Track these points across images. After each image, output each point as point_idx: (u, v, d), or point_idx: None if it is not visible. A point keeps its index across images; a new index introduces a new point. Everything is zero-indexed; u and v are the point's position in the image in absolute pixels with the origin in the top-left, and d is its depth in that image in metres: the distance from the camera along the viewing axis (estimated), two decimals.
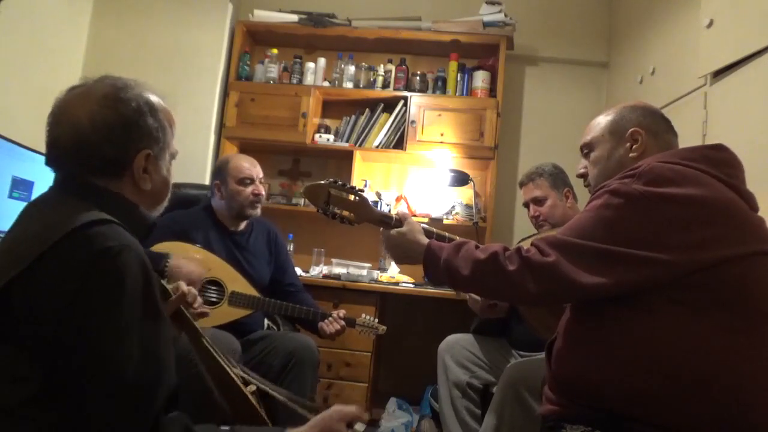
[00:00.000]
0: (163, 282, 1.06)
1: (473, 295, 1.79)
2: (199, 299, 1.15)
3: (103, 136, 0.90)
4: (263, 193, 2.14)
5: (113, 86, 0.94)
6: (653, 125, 1.21)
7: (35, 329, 0.76)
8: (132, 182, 0.95)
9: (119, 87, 0.94)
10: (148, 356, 0.81)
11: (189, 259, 1.83)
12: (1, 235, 0.93)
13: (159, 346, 0.83)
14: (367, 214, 1.35)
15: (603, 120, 1.26)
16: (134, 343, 0.79)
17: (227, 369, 1.08)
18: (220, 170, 2.13)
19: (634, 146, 1.20)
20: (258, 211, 2.13)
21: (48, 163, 0.94)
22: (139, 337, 0.80)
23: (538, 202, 2.10)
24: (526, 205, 2.16)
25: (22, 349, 0.77)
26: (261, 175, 2.15)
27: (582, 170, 1.30)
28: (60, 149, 0.91)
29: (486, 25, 3.11)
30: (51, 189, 0.94)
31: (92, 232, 0.80)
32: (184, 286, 1.12)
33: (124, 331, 0.79)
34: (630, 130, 1.20)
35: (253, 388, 1.14)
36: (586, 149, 1.29)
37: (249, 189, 2.08)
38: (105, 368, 0.77)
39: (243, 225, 2.17)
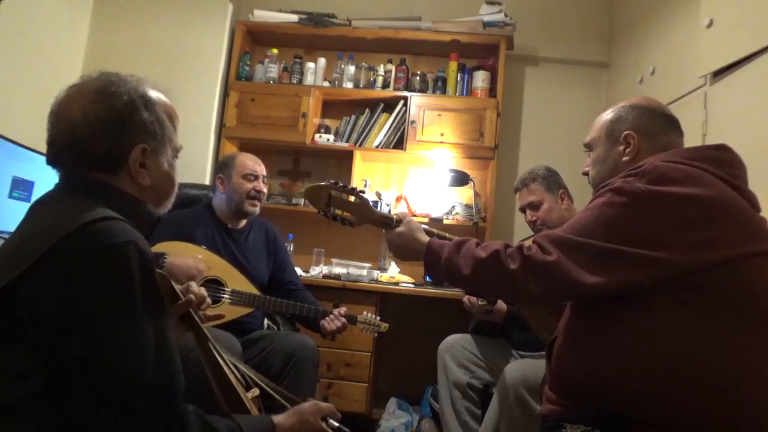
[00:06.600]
0: (173, 284, 1.05)
1: (471, 298, 1.79)
2: (208, 300, 1.13)
3: (96, 130, 0.90)
4: (264, 191, 2.17)
5: (107, 81, 0.94)
6: (648, 126, 1.20)
7: (40, 326, 0.76)
8: (130, 178, 0.94)
9: (112, 81, 0.94)
10: (157, 351, 0.81)
11: (186, 256, 1.84)
12: (2, 236, 0.92)
13: (165, 341, 0.83)
14: (367, 216, 1.35)
15: (603, 119, 1.27)
16: (142, 338, 0.79)
17: (228, 374, 1.07)
18: (225, 165, 2.18)
19: (627, 149, 1.20)
20: (257, 209, 2.16)
21: (48, 162, 0.94)
22: (146, 331, 0.80)
23: (534, 206, 2.08)
24: (523, 210, 2.14)
25: (26, 345, 0.76)
26: (265, 174, 2.20)
27: (586, 168, 1.32)
28: (57, 147, 0.92)
29: (486, 25, 3.11)
30: (54, 188, 0.94)
31: (97, 227, 0.80)
32: (195, 287, 1.11)
33: (132, 326, 0.79)
34: (624, 133, 1.21)
35: (256, 392, 1.14)
36: (587, 148, 1.31)
37: (251, 185, 2.12)
38: (112, 364, 0.77)
39: (242, 223, 2.18)
